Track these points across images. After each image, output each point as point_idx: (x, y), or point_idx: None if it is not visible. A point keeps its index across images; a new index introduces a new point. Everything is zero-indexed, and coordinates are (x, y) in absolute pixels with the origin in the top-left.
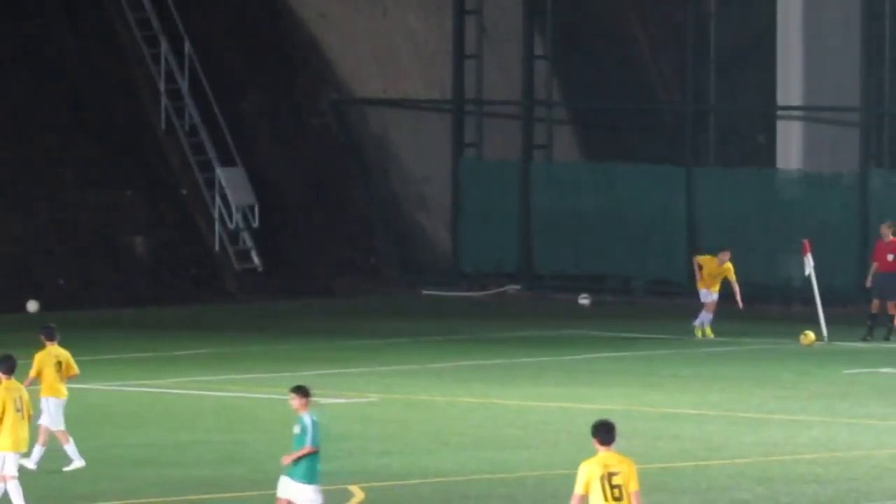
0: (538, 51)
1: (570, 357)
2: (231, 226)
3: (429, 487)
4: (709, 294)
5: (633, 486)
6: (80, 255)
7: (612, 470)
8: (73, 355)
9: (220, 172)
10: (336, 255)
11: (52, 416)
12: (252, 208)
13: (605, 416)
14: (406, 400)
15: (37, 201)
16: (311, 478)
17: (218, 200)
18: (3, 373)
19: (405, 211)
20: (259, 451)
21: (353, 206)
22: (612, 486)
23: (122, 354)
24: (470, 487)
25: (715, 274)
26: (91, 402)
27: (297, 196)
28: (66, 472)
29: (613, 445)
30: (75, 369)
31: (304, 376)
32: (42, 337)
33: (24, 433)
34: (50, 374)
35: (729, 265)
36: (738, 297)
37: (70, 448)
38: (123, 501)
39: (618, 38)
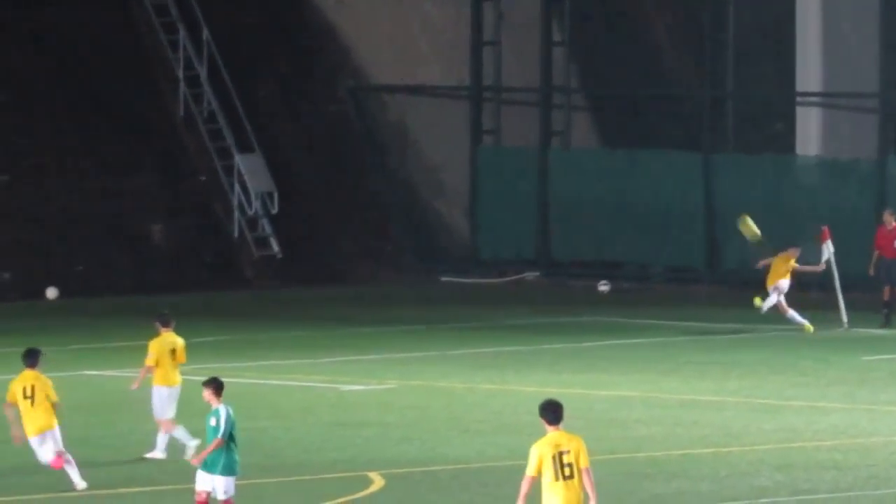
0: (556, 37)
1: (588, 344)
2: (250, 212)
3: (447, 474)
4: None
5: (583, 463)
6: (97, 243)
7: (563, 448)
8: (91, 342)
9: (239, 159)
10: (354, 242)
11: (161, 404)
12: (271, 195)
13: (552, 397)
14: (424, 387)
15: (55, 188)
16: (231, 469)
17: (237, 187)
18: (28, 367)
19: (423, 198)
20: (276, 438)
21: (370, 194)
22: (563, 465)
23: (139, 341)
24: (489, 474)
25: (782, 271)
26: (108, 388)
27: (315, 183)
28: (146, 457)
29: (562, 424)
30: (184, 357)
31: (322, 363)
32: (157, 324)
33: (35, 421)
34: (165, 362)
35: (794, 262)
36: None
37: (173, 436)
38: (142, 489)
39: (636, 25)
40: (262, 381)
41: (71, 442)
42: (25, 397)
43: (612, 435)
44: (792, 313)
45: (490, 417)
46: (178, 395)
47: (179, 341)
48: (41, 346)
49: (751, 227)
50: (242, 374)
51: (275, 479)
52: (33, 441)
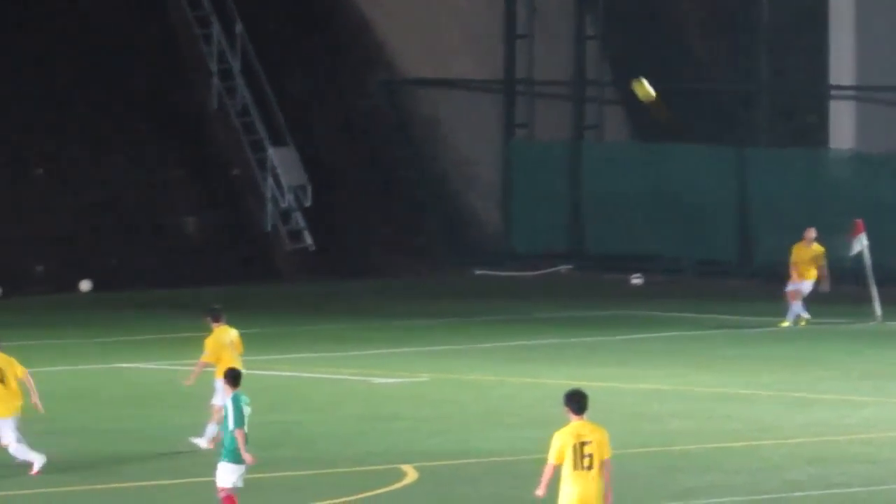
0: (589, 31)
1: (620, 337)
2: (283, 205)
3: (480, 467)
4: (801, 284)
5: (605, 454)
6: (130, 236)
7: (585, 439)
8: (123, 335)
9: (272, 152)
10: (386, 236)
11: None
12: (303, 188)
13: (578, 388)
14: (457, 380)
15: (88, 182)
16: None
17: (270, 180)
18: None
19: (455, 191)
20: (309, 431)
21: (403, 187)
22: (584, 455)
23: (171, 334)
24: (521, 467)
25: (807, 259)
26: (140, 381)
27: (348, 176)
28: (191, 441)
29: (586, 415)
30: (242, 347)
31: (354, 356)
32: (209, 319)
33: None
34: (225, 355)
35: (819, 247)
36: (826, 282)
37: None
38: (172, 481)
39: (669, 18)
40: (295, 374)
41: (102, 434)
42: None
43: (645, 429)
44: (798, 305)
45: (522, 411)
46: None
47: (234, 333)
48: (73, 340)
49: (645, 87)
50: (275, 367)
51: (309, 472)
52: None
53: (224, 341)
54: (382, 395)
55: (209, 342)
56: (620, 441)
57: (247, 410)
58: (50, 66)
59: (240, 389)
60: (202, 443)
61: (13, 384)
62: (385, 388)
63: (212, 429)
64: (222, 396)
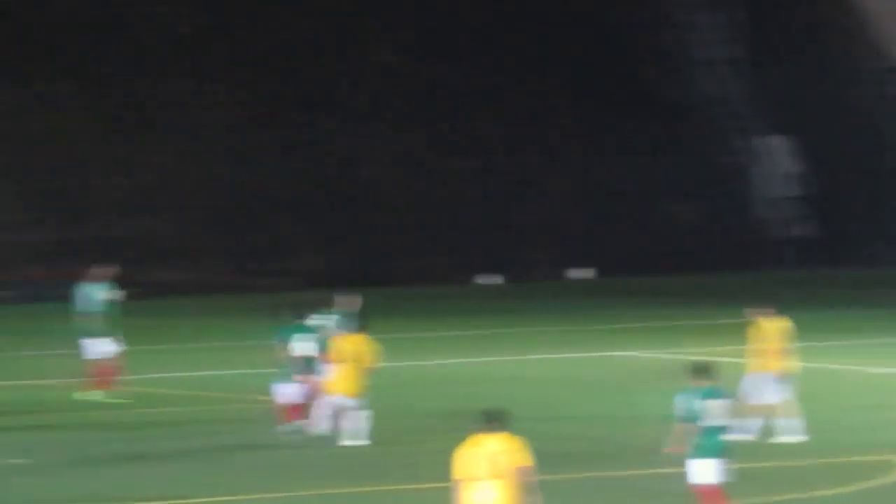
0: None
1: None
2: (778, 193)
3: None
4: None
5: None
6: (626, 224)
7: None
8: (620, 322)
9: (766, 140)
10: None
11: (758, 390)
12: (800, 176)
13: None
14: None
15: (582, 170)
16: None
17: (765, 168)
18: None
19: None
20: (807, 420)
21: None
22: None
23: (666, 322)
24: None
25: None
26: (634, 368)
27: (848, 164)
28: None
29: None
30: (788, 342)
31: (852, 345)
32: (761, 311)
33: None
34: (770, 347)
35: None
36: None
37: (779, 421)
38: (674, 470)
39: None
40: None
41: (598, 420)
42: None
43: None
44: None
45: None
46: (782, 380)
47: (784, 325)
48: (571, 327)
49: None
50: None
51: (806, 462)
52: None
53: (772, 333)
54: (878, 386)
55: (759, 332)
56: None
57: (716, 404)
58: (542, 61)
59: (707, 383)
60: (749, 436)
61: (359, 368)
62: (885, 379)
63: (756, 423)
64: (773, 391)
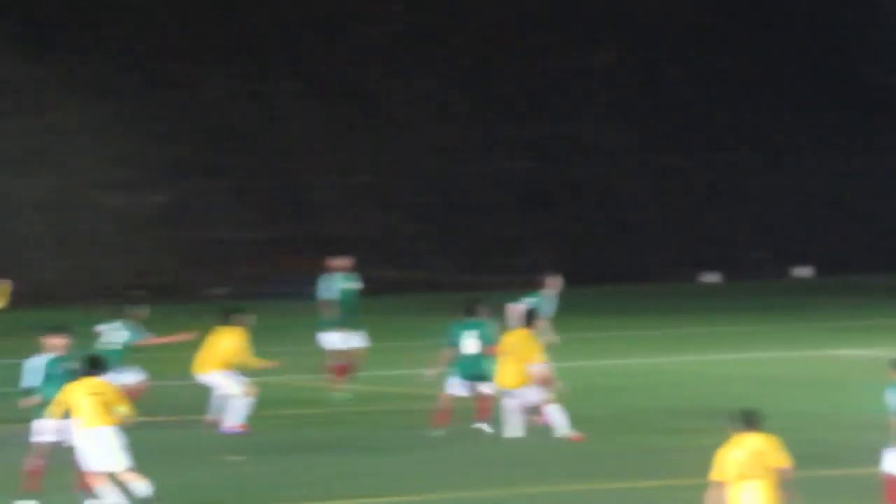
0: None
1: None
2: None
3: None
4: None
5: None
6: (846, 224)
7: None
8: (841, 321)
9: None
10: None
11: None
12: None
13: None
14: None
15: (806, 170)
16: None
17: None
18: None
19: None
20: None
21: None
22: None
23: (886, 320)
24: None
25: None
26: (854, 368)
27: None
28: None
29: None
30: None
31: None
32: None
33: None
34: None
35: None
36: None
37: None
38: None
39: None
40: None
41: (819, 420)
42: None
43: None
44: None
45: None
46: None
47: None
48: (791, 324)
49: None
50: None
51: None
52: None
53: None
54: None
55: None
56: None
57: None
58: (763, 58)
59: None
60: None
61: (519, 364)
62: None
63: None
64: None
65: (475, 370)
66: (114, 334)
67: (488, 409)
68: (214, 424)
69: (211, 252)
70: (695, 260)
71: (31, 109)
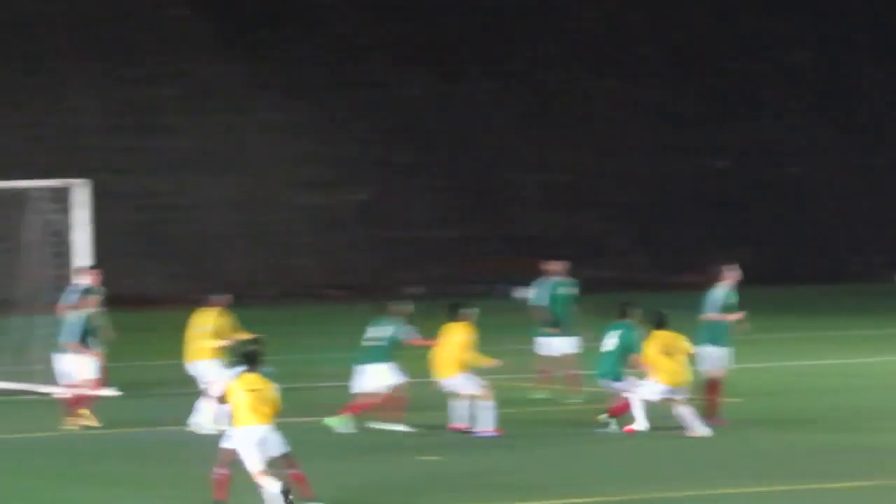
0: None
1: None
2: None
3: None
4: None
5: None
6: None
7: None
8: None
9: None
10: None
11: None
12: None
13: None
14: None
15: None
16: None
17: None
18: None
19: None
20: None
21: None
22: None
23: None
24: None
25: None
26: None
27: None
28: None
29: None
30: None
31: None
32: None
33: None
34: None
35: None
36: None
37: None
38: None
39: None
40: None
41: None
42: None
43: None
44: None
45: None
46: None
47: None
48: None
49: None
50: None
51: None
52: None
53: None
54: None
55: None
56: None
57: None
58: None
59: None
60: None
61: (679, 359)
62: None
63: None
64: None
65: (607, 369)
66: (378, 330)
67: (622, 408)
68: (467, 431)
69: (407, 251)
70: (892, 260)
71: (228, 109)
